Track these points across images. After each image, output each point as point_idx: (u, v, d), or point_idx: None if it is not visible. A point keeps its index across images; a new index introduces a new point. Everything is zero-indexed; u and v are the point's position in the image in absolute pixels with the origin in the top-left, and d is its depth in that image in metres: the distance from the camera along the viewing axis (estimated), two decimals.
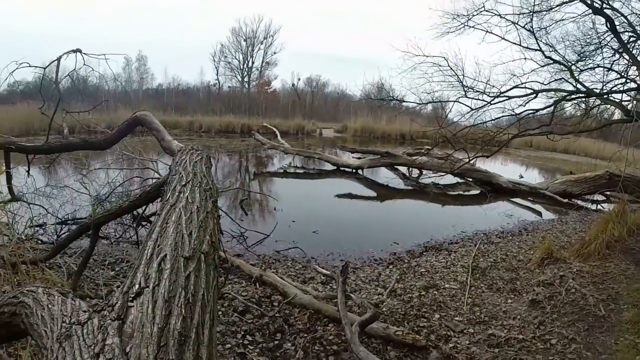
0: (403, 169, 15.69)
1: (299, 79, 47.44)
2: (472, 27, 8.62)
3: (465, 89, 8.53)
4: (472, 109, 8.53)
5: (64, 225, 7.22)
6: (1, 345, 3.05)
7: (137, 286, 1.66)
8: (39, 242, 6.61)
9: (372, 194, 13.01)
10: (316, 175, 15.89)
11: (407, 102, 9.65)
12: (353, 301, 4.72)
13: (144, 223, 7.07)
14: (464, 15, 8.60)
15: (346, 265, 4.51)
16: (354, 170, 15.41)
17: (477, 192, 13.28)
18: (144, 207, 6.26)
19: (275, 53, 47.03)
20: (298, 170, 16.68)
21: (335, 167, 15.89)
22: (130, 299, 1.59)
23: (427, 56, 8.65)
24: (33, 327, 1.79)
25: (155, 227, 2.15)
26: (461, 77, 8.52)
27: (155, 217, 6.82)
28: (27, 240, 6.00)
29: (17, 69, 6.00)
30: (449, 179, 14.08)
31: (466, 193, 13.49)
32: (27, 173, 6.53)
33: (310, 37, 78.07)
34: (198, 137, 27.01)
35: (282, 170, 16.61)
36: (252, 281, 5.42)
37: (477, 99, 8.51)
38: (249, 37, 46.55)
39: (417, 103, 9.43)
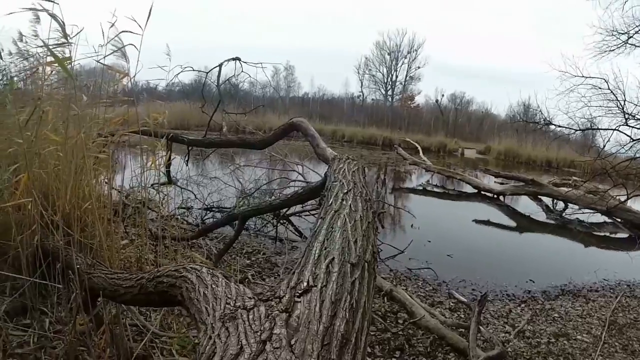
0: (547, 200, 14.42)
1: (443, 95, 46.36)
2: (633, 45, 7.98)
3: (626, 116, 7.85)
4: (632, 140, 7.82)
5: (208, 212, 7.85)
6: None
7: (305, 283, 1.72)
8: (185, 222, 7.26)
9: (512, 223, 12.33)
10: (455, 197, 15.43)
11: (561, 126, 9.06)
12: (481, 334, 4.56)
13: (282, 221, 7.41)
14: (623, 33, 7.97)
15: (485, 296, 4.37)
16: (495, 196, 14.67)
17: (626, 235, 11.73)
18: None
19: (419, 67, 46.78)
20: (437, 189, 16.26)
21: (476, 191, 15.27)
22: (298, 294, 1.65)
23: (586, 77, 8.11)
24: (193, 301, 1.93)
25: (321, 230, 2.23)
26: (622, 102, 7.85)
27: (299, 216, 7.17)
28: (175, 219, 6.58)
29: (181, 72, 6.64)
30: (595, 217, 12.67)
31: (612, 235, 12.02)
32: (185, 163, 7.20)
33: (456, 52, 76.47)
34: (340, 146, 27.55)
35: (421, 188, 16.31)
36: (382, 294, 5.40)
37: (638, 128, 7.81)
38: (393, 51, 46.80)
39: (572, 129, 8.82)
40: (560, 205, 13.78)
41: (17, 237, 3.24)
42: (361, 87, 48.25)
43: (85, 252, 3.31)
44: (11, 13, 3.09)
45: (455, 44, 77.02)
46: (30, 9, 3.12)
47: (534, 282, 7.09)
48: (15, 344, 2.97)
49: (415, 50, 46.27)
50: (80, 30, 3.04)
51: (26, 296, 3.27)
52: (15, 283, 3.42)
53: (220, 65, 7.32)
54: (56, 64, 3.74)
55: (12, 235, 3.29)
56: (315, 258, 1.93)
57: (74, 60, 3.25)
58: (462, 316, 5.26)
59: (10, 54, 4.27)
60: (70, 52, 3.12)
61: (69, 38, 3.09)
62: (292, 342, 1.41)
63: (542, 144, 28.25)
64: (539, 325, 5.51)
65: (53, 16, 2.85)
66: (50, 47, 3.13)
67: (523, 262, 8.58)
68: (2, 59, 3.75)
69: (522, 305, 6.16)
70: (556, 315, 5.92)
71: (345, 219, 2.33)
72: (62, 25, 2.89)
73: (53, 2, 2.88)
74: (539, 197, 14.39)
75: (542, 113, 9.40)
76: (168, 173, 6.57)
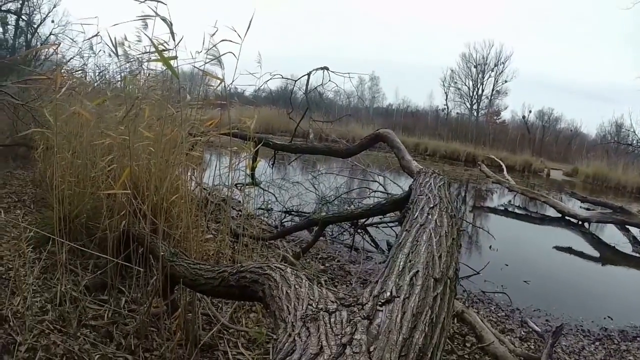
0: (635, 231, 13.11)
1: (530, 112, 44.20)
2: None
3: None
4: None
5: (287, 215, 8.04)
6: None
7: (388, 293, 1.75)
8: (265, 223, 7.46)
9: (595, 253, 11.34)
10: (537, 220, 14.60)
11: None
12: None
13: (359, 231, 7.44)
14: None
15: (560, 328, 4.20)
16: (579, 222, 13.56)
17: None
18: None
19: (506, 81, 44.67)
20: (518, 211, 15.54)
21: (560, 215, 14.20)
22: (380, 303, 1.69)
23: None
24: (274, 299, 2.02)
25: (406, 243, 2.25)
26: None
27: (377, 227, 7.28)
28: (255, 219, 6.79)
29: (270, 79, 6.91)
30: None
31: None
32: (270, 166, 7.44)
33: (545, 65, 72.98)
34: (422, 160, 27.01)
35: (502, 208, 15.62)
36: (452, 314, 5.28)
37: None
38: (479, 63, 45.24)
39: None
40: None
41: (106, 221, 3.60)
42: (446, 100, 47.29)
43: (168, 241, 3.53)
44: (116, 24, 3.39)
45: (546, 56, 73.56)
46: (142, 17, 3.36)
47: (612, 319, 6.66)
48: (90, 315, 3.27)
49: (503, 63, 44.51)
50: (181, 39, 3.27)
51: (107, 274, 3.60)
52: (98, 261, 3.80)
53: (309, 74, 7.56)
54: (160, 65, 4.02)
55: (101, 218, 3.67)
56: (400, 269, 1.96)
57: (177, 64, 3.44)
58: (532, 347, 5.04)
59: (110, 55, 4.65)
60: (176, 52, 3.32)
61: (171, 43, 3.30)
62: (371, 349, 1.44)
63: (635, 168, 26.40)
64: None
65: (164, 19, 3.05)
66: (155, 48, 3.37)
67: (603, 296, 8.09)
68: (117, 56, 4.07)
69: (597, 343, 5.82)
70: (631, 358, 5.55)
71: (431, 234, 2.35)
72: (170, 25, 3.09)
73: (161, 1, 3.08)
74: (627, 226, 13.42)
75: (635, 134, 8.82)
76: (252, 174, 6.81)
